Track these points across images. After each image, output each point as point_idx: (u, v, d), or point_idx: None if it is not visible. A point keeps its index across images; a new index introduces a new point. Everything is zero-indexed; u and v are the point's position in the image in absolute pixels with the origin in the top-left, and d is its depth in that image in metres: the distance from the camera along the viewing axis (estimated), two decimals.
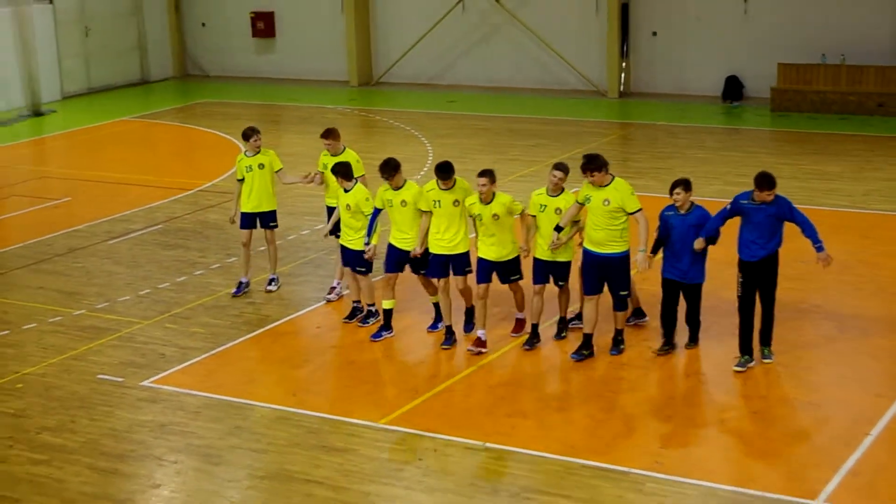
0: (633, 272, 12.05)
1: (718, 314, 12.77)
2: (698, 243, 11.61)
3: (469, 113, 26.11)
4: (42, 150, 24.80)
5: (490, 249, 12.14)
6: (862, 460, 9.80)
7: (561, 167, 12.05)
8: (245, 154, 14.26)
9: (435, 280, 12.52)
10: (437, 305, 12.84)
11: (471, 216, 12.24)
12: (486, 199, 11.97)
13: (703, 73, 26.70)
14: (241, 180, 14.24)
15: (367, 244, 12.72)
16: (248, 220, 14.29)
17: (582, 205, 11.83)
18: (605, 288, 11.96)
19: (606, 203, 11.60)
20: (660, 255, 11.93)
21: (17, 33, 27.92)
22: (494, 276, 12.29)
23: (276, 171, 14.30)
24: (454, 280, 12.44)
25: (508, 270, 12.28)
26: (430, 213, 12.31)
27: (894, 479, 9.55)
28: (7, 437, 10.83)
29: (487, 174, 11.96)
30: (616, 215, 11.60)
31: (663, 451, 10.12)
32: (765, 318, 11.70)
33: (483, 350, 12.21)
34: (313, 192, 14.40)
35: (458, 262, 12.35)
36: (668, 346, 12.01)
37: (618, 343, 12.13)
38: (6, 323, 13.76)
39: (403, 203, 12.48)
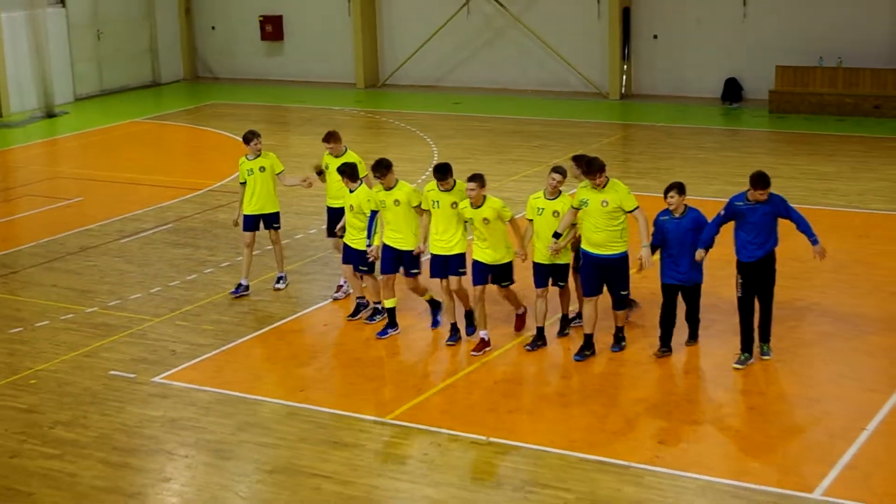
0: (633, 271, 12.21)
1: (718, 312, 12.89)
2: (699, 254, 11.70)
3: (473, 114, 26.22)
4: (55, 150, 24.95)
5: (484, 253, 12.25)
6: (858, 455, 9.90)
7: (559, 170, 12.12)
8: (246, 158, 14.39)
9: (442, 281, 12.61)
10: (430, 302, 13.02)
11: (464, 220, 12.36)
12: (476, 203, 12.07)
13: (703, 76, 26.82)
14: (244, 183, 14.36)
15: (369, 245, 12.90)
16: (252, 223, 14.41)
17: (577, 209, 11.90)
18: (605, 287, 12.08)
19: (605, 204, 11.70)
20: (656, 256, 11.98)
21: (31, 36, 28.11)
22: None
23: (277, 174, 14.40)
24: (451, 280, 12.49)
25: (500, 275, 12.36)
26: (430, 212, 12.47)
27: (890, 474, 9.66)
28: (20, 431, 10.95)
29: (476, 179, 12.01)
30: (615, 215, 11.72)
31: (663, 445, 10.23)
32: (763, 316, 11.81)
33: (487, 348, 12.39)
34: (320, 192, 14.56)
35: (453, 263, 12.43)
36: (667, 348, 12.10)
37: (619, 340, 12.26)
38: (20, 320, 13.92)
39: (397, 202, 12.61)
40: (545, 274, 12.26)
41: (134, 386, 11.92)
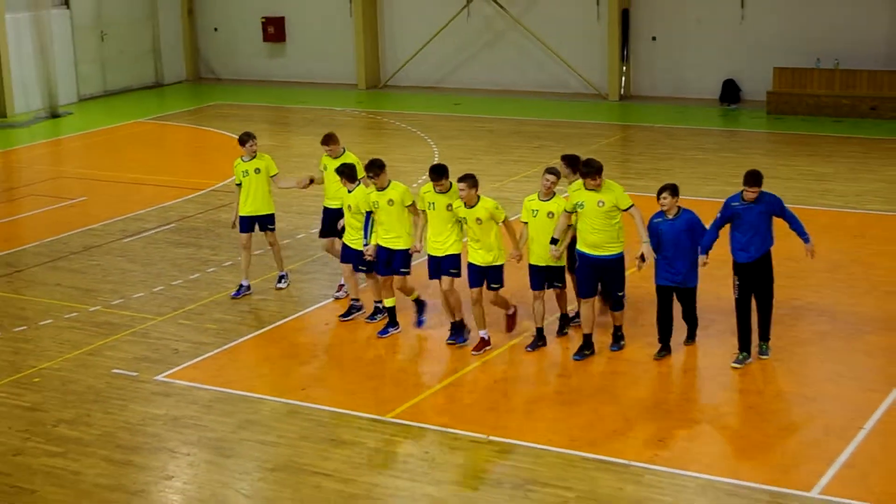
0: (632, 271, 12.26)
1: (715, 312, 12.93)
2: (701, 261, 11.74)
3: (474, 115, 26.28)
4: (59, 150, 25.00)
5: (478, 254, 12.28)
6: (856, 453, 9.94)
7: (553, 171, 12.18)
8: (242, 159, 14.42)
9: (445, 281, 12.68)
10: (416, 302, 13.09)
11: (458, 220, 12.39)
12: (470, 203, 12.13)
13: (702, 77, 26.86)
14: (239, 185, 14.41)
15: (366, 245, 12.97)
16: (247, 224, 14.45)
17: (571, 213, 11.95)
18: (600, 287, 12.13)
19: (601, 205, 11.76)
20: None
21: (35, 37, 28.18)
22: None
23: (272, 176, 14.43)
24: (443, 280, 12.50)
25: (492, 277, 12.37)
26: (425, 212, 12.52)
27: (887, 472, 9.72)
28: (24, 429, 11.01)
29: (466, 179, 12.04)
30: (612, 215, 11.78)
31: (662, 444, 10.28)
32: (762, 315, 11.87)
33: (487, 347, 12.45)
34: (320, 192, 14.62)
35: (446, 263, 12.44)
36: (665, 350, 12.13)
37: (618, 339, 12.32)
38: (24, 319, 13.99)
39: (390, 202, 12.68)
40: (541, 276, 12.30)
41: (137, 384, 11.98)
